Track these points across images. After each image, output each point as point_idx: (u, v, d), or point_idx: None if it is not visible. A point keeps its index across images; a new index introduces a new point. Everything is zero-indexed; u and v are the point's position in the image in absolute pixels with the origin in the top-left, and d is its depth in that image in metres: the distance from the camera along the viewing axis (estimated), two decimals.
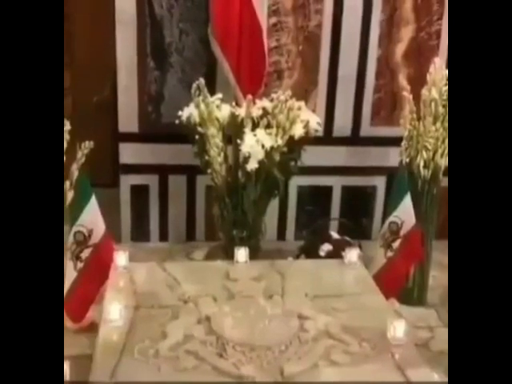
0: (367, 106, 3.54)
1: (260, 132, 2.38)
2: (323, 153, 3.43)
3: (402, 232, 2.56)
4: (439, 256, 3.21)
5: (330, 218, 3.44)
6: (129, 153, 3.41)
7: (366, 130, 3.58)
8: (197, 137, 2.57)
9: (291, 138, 2.47)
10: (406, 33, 3.45)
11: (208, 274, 2.25)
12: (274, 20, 3.30)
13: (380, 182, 3.70)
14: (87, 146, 2.20)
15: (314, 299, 2.08)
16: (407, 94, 2.79)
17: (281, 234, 3.65)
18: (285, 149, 2.46)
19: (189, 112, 2.59)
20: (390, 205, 2.64)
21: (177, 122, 2.71)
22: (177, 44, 3.31)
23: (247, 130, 2.41)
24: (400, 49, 3.47)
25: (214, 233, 3.46)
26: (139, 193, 3.50)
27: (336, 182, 3.64)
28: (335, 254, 2.73)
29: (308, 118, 2.57)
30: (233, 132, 2.49)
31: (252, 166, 2.38)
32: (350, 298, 2.11)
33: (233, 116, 2.53)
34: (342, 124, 3.53)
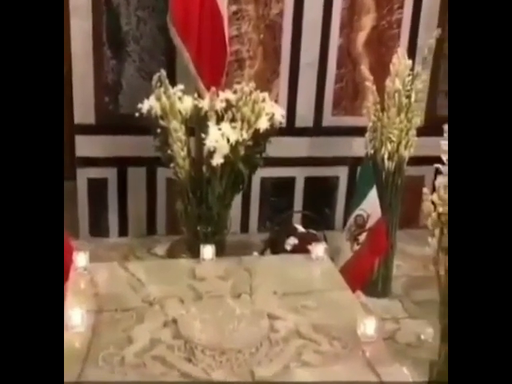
0: (329, 95, 3.51)
1: (225, 126, 2.31)
2: (286, 144, 3.39)
3: (368, 225, 2.55)
4: (402, 245, 3.23)
5: (293, 210, 3.41)
6: (85, 145, 3.30)
7: (328, 119, 3.56)
8: (158, 130, 2.48)
9: (256, 131, 2.41)
10: (367, 21, 3.43)
11: (173, 273, 2.17)
12: (234, 8, 3.22)
13: (342, 173, 3.69)
14: None
15: (282, 297, 2.04)
16: (370, 85, 2.77)
17: (244, 226, 3.61)
18: (250, 142, 2.40)
19: (149, 104, 2.49)
20: (356, 198, 2.62)
21: (137, 114, 2.62)
22: (134, 32, 3.19)
23: (211, 123, 2.34)
24: (361, 37, 3.45)
25: (176, 226, 3.39)
26: (97, 186, 3.39)
27: (299, 173, 3.61)
28: (301, 247, 2.70)
29: (273, 111, 2.52)
30: (196, 125, 2.41)
31: (217, 161, 2.30)
32: (319, 295, 2.07)
33: (196, 108, 2.45)
34: (304, 114, 3.49)
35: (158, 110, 2.44)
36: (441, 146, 1.72)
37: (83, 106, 3.23)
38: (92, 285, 2.06)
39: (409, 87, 2.61)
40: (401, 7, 3.42)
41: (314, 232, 2.88)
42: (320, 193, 3.68)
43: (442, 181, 1.69)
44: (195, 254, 2.55)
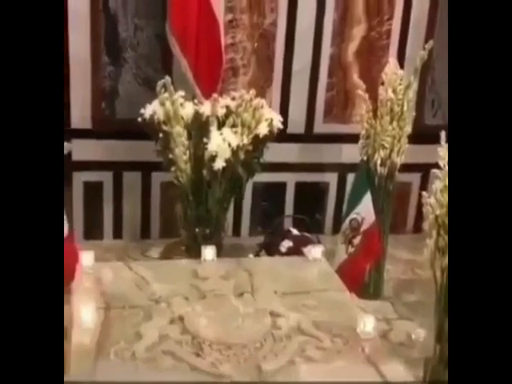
0: (320, 103, 3.61)
1: (226, 131, 2.39)
2: (278, 149, 3.46)
3: (363, 228, 2.64)
4: (389, 250, 3.33)
5: (289, 214, 3.49)
6: (82, 149, 3.34)
7: (320, 126, 3.65)
8: (160, 135, 2.55)
9: (256, 136, 2.49)
10: (358, 32, 3.54)
11: (176, 273, 2.24)
12: (229, 17, 3.31)
13: (332, 178, 3.79)
14: None
15: (283, 296, 2.11)
16: (363, 93, 2.86)
17: (236, 229, 3.67)
18: (250, 147, 2.48)
19: (152, 109, 2.56)
20: (351, 201, 2.71)
21: (139, 119, 2.68)
22: (131, 39, 3.26)
23: (213, 128, 2.41)
24: (352, 47, 3.55)
25: (169, 230, 3.45)
26: (93, 190, 3.44)
27: (290, 179, 3.70)
28: (295, 250, 2.78)
29: (271, 117, 2.60)
30: (197, 130, 2.48)
31: (219, 165, 2.38)
32: (318, 295, 2.16)
33: (197, 114, 2.52)
34: (296, 121, 3.58)
35: (161, 116, 2.51)
36: (438, 152, 1.81)
37: (80, 110, 3.28)
38: (99, 283, 2.11)
39: (400, 96, 2.71)
40: (390, 18, 3.53)
41: (308, 235, 2.96)
42: (310, 198, 3.77)
43: (439, 185, 1.79)
44: (192, 255, 2.62)
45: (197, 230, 2.62)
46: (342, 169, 3.74)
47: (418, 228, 4.02)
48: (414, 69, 2.70)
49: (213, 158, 2.40)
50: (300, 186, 3.74)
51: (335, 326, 1.97)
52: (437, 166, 1.85)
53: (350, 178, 3.79)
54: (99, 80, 3.27)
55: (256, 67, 3.44)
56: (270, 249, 2.87)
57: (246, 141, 2.43)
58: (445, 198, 1.76)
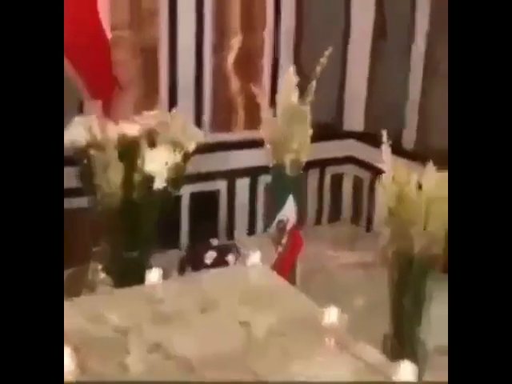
0: (207, 113, 3.69)
1: (161, 149, 2.35)
2: None
3: (288, 228, 2.77)
4: None
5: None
6: None
7: (207, 136, 3.72)
8: (85, 160, 2.43)
9: (185, 151, 2.49)
10: (235, 42, 3.67)
11: (129, 300, 2.16)
12: (112, 34, 3.24)
13: (222, 186, 3.89)
14: None
15: (242, 304, 2.15)
16: (262, 100, 2.99)
17: None
18: (182, 164, 2.47)
19: (72, 134, 2.43)
20: (276, 205, 2.82)
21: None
22: None
23: (146, 148, 2.36)
24: (231, 58, 3.68)
25: (67, 259, 3.28)
26: None
27: (185, 190, 3.71)
28: (219, 260, 2.83)
29: (195, 131, 2.62)
30: (127, 152, 2.41)
31: (159, 185, 2.34)
32: (272, 297, 2.23)
33: (122, 136, 2.45)
34: None
35: (83, 140, 2.40)
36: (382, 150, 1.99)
37: None
38: None
39: (302, 100, 2.88)
40: (263, 29, 3.72)
41: (228, 243, 3.02)
42: (204, 207, 3.83)
43: (386, 179, 1.97)
44: (119, 281, 2.56)
45: (124, 254, 2.55)
46: (231, 175, 3.87)
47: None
48: (314, 74, 2.88)
49: (150, 179, 2.36)
50: (194, 197, 3.78)
51: (301, 321, 2.06)
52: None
53: (239, 182, 3.95)
54: None
55: (142, 83, 3.41)
56: (195, 263, 2.88)
57: (179, 157, 2.43)
58: (393, 190, 1.94)
